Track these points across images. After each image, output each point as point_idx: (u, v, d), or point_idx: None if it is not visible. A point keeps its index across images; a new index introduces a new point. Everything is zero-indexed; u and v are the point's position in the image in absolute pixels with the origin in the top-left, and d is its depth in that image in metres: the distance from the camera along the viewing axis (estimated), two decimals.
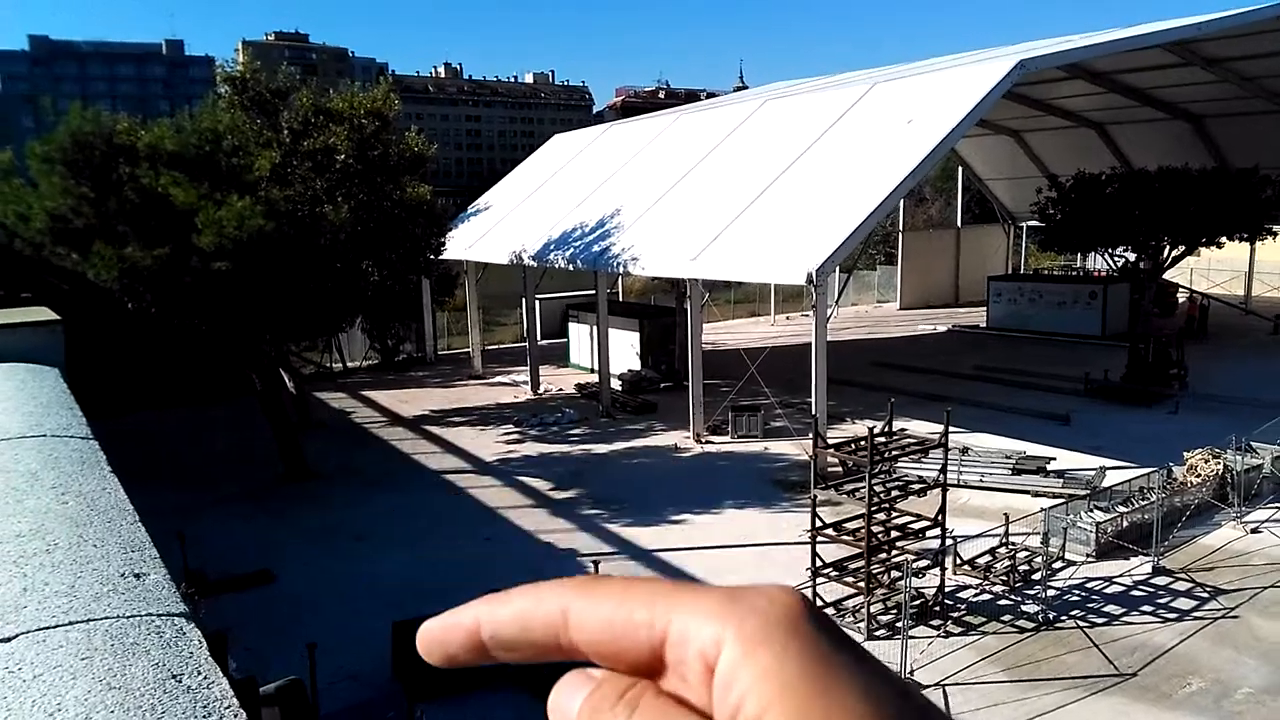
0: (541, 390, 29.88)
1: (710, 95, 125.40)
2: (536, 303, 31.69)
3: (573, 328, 33.83)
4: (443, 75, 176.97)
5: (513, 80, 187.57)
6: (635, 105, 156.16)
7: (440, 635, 0.64)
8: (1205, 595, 14.26)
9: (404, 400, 29.37)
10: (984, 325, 39.67)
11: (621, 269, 25.36)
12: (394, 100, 22.47)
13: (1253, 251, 39.11)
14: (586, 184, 31.54)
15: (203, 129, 19.29)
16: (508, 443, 24.13)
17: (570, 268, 27.39)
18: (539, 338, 31.49)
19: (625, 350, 30.40)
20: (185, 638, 1.99)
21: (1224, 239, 32.37)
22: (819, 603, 13.73)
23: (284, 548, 17.12)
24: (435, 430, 25.58)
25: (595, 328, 28.28)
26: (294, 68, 25.67)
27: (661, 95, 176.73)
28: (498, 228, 33.15)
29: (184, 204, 17.75)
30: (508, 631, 0.62)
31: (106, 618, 2.05)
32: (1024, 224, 48.21)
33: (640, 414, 26.47)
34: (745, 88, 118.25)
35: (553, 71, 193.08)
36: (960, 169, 49.45)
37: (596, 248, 26.27)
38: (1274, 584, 14.50)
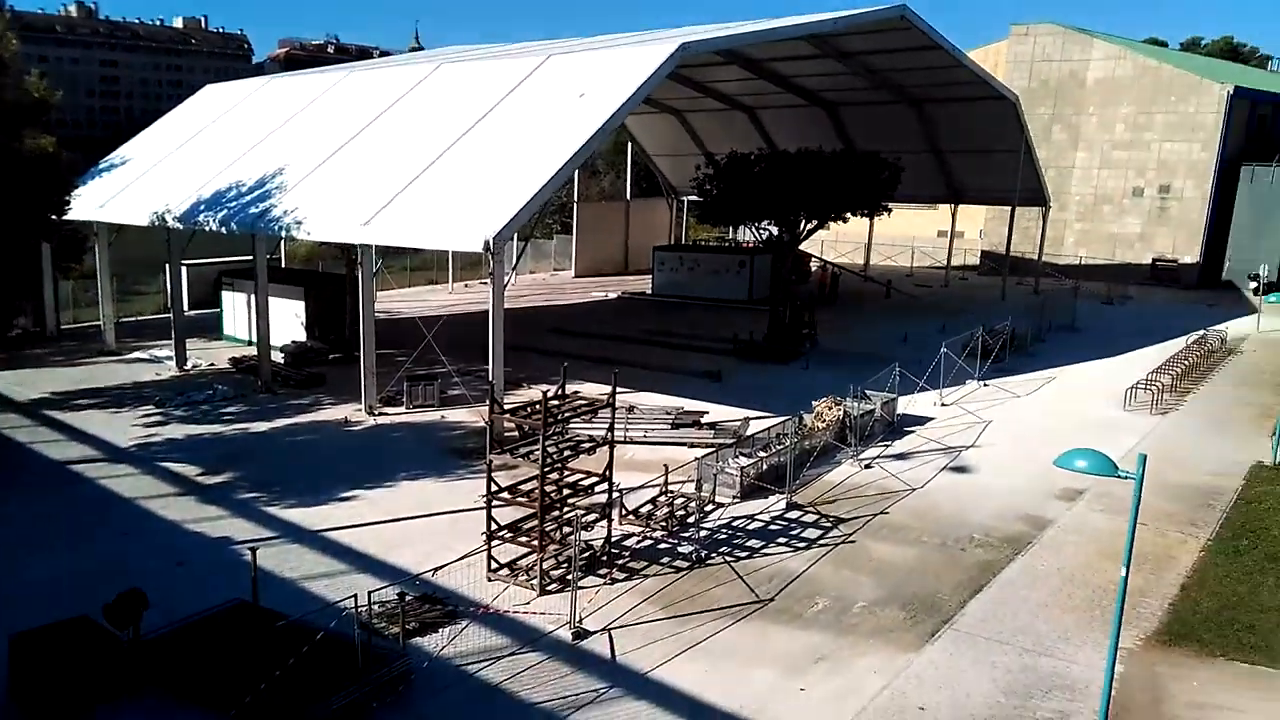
0: (189, 366, 27.38)
1: (384, 54, 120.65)
2: (183, 269, 28.89)
3: (227, 296, 31.35)
4: (74, 14, 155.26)
5: (158, 24, 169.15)
6: (301, 58, 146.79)
7: None
8: (829, 525, 16.36)
9: (18, 382, 25.56)
10: (650, 292, 42.10)
11: (284, 233, 23.82)
12: (11, 39, 19.98)
13: (871, 226, 44.89)
14: (245, 140, 29.22)
15: None
16: (148, 426, 21.83)
17: (224, 230, 25.26)
18: (186, 308, 28.75)
19: (289, 320, 28.66)
20: None
21: (849, 214, 36.74)
22: (494, 565, 14.02)
23: None
24: (57, 415, 22.53)
25: (254, 296, 26.36)
26: None
27: (331, 50, 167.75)
28: (138, 184, 29.76)
29: None
30: None
31: None
32: (685, 198, 51.60)
33: (306, 388, 25.16)
34: (421, 49, 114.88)
35: (205, 17, 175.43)
36: (629, 144, 51.86)
37: (255, 209, 24.46)
38: (883, 511, 16.97)
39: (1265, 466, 19.34)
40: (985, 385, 25.74)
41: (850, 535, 15.94)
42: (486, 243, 18.91)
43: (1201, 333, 30.79)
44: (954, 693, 11.28)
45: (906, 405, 22.82)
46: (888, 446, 20.64)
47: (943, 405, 23.83)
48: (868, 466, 19.30)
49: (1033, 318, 32.27)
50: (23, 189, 19.14)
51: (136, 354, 29.09)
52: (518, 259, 34.62)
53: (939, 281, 45.92)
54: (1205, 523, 16.57)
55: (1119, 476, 9.23)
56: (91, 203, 28.58)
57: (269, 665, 10.17)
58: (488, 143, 22.74)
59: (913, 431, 21.80)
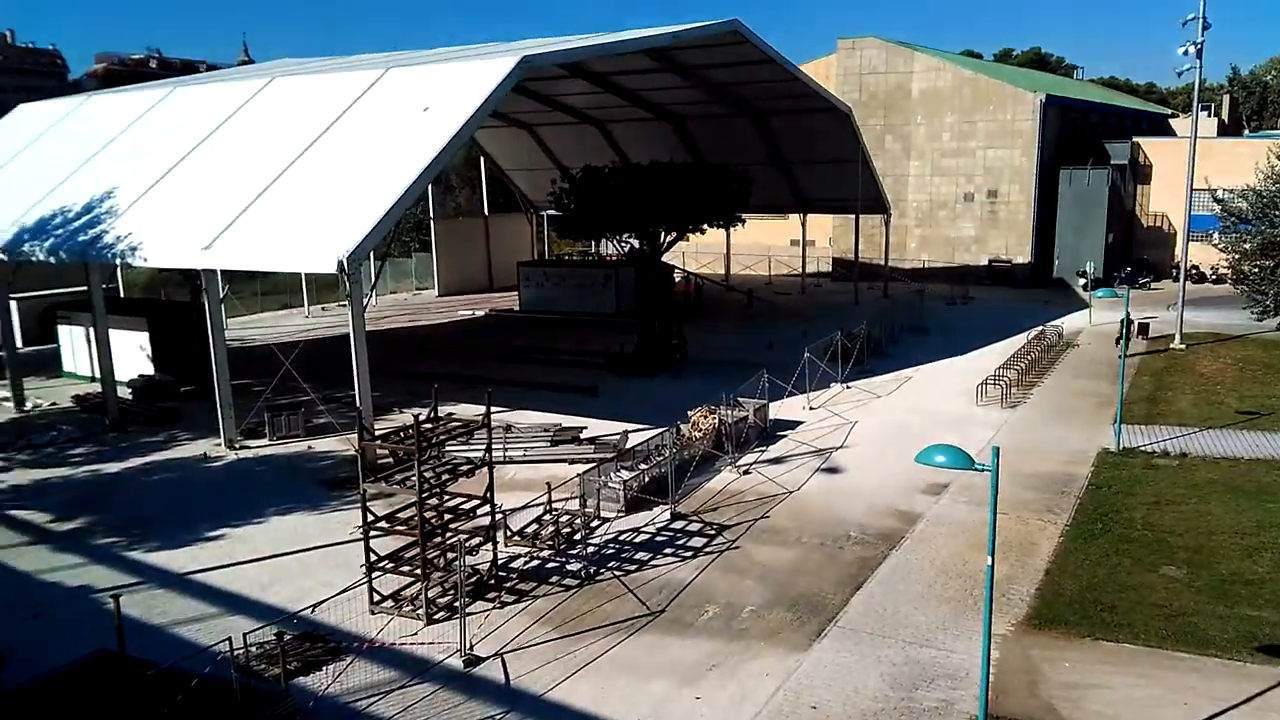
0: (29, 406, 25.48)
1: (212, 68, 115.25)
2: (12, 304, 26.71)
3: (64, 330, 29.39)
4: None
5: None
6: (121, 74, 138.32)
7: None
8: (713, 532, 16.55)
9: None
10: (518, 308, 41.72)
11: (119, 260, 22.35)
12: None
13: (729, 237, 45.87)
14: (68, 161, 27.27)
15: None
16: None
17: (53, 260, 23.51)
18: (19, 345, 26.58)
19: (134, 353, 26.94)
20: None
21: (706, 226, 37.49)
22: (376, 597, 13.49)
23: None
24: None
25: (93, 329, 24.61)
26: None
27: (154, 65, 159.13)
28: None
29: None
30: None
31: None
32: (545, 213, 51.45)
33: (159, 424, 23.68)
34: (251, 62, 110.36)
35: (12, 31, 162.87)
36: (482, 159, 51.30)
37: (85, 236, 22.85)
38: (764, 515, 17.31)
39: (1110, 452, 20.79)
40: (848, 387, 26.72)
41: (734, 541, 16.17)
42: (340, 263, 18.21)
43: (1040, 328, 32.92)
44: (843, 689, 11.58)
45: (777, 410, 23.41)
46: (763, 451, 21.11)
47: (811, 409, 24.58)
48: (746, 472, 19.66)
49: (885, 320, 33.76)
50: None
51: None
52: (376, 278, 33.61)
53: (796, 289, 47.47)
54: (1061, 509, 17.61)
55: (976, 469, 9.67)
56: None
57: (141, 716, 9.48)
58: (332, 158, 21.93)
59: (785, 435, 22.38)
